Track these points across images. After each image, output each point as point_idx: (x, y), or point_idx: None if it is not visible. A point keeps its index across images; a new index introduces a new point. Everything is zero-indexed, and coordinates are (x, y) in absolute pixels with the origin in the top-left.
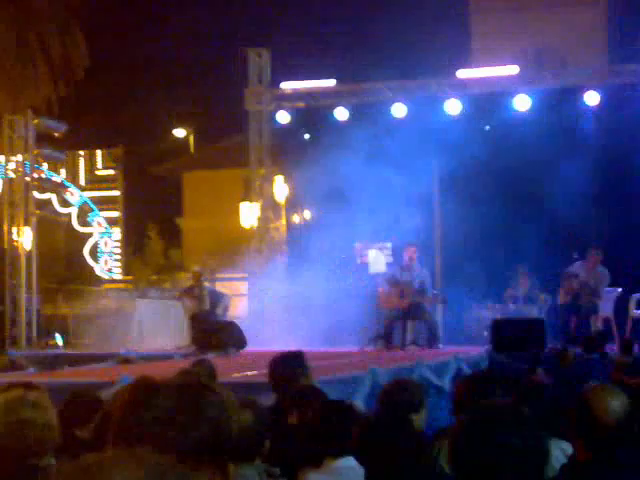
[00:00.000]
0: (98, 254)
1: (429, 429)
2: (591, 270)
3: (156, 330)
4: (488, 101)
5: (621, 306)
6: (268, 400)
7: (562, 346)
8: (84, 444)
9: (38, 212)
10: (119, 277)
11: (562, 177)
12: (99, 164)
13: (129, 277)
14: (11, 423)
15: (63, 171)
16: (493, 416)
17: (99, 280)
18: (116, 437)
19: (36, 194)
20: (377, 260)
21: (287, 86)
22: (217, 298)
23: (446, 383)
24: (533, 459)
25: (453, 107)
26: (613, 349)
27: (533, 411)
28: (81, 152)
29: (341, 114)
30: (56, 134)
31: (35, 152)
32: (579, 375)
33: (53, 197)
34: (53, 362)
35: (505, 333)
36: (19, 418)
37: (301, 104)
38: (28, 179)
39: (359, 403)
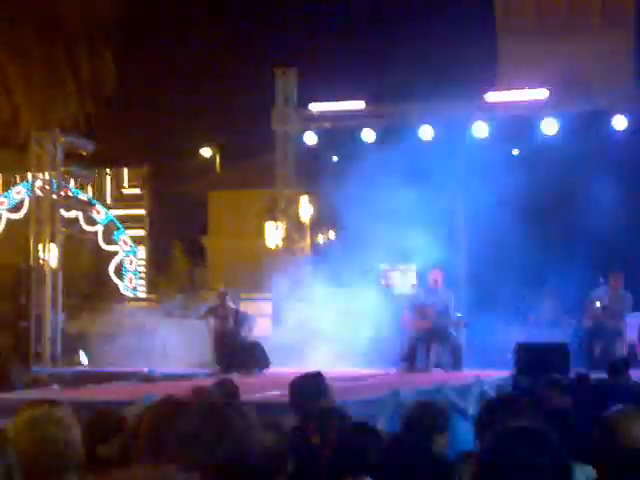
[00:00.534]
0: (123, 272)
1: (452, 452)
2: (614, 294)
3: (180, 349)
4: (516, 124)
5: None
6: (291, 420)
7: (585, 371)
8: (107, 462)
9: (64, 230)
10: (143, 295)
11: (589, 201)
12: (125, 182)
13: (153, 295)
14: (35, 440)
15: (89, 189)
16: (519, 437)
17: (123, 298)
18: (142, 455)
19: (63, 212)
20: (402, 282)
21: (315, 107)
22: (242, 318)
23: (469, 406)
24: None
25: (480, 130)
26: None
27: (557, 435)
28: (108, 170)
29: (368, 136)
30: (83, 152)
31: (62, 170)
32: (603, 400)
33: (79, 215)
34: (76, 379)
35: (529, 357)
36: (43, 435)
37: (328, 125)
38: (55, 197)
39: (382, 425)
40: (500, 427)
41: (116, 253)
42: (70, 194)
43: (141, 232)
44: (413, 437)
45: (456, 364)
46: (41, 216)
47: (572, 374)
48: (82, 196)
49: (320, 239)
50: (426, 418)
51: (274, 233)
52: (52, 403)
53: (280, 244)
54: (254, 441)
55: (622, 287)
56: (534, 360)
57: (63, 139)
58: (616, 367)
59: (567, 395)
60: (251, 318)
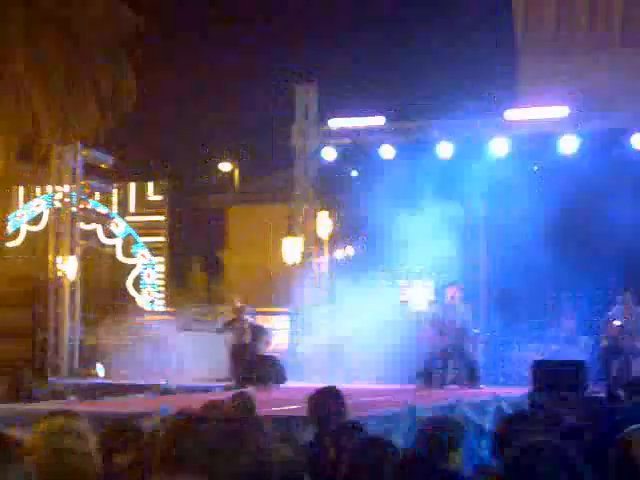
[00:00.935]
0: (141, 285)
1: (469, 468)
2: (628, 312)
3: (197, 362)
4: (535, 142)
5: None
6: (307, 435)
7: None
8: (122, 472)
9: (83, 242)
10: (161, 308)
11: (609, 219)
12: (145, 196)
13: (171, 309)
14: (52, 451)
15: (108, 202)
16: (540, 453)
17: (141, 311)
18: (159, 466)
19: (82, 225)
20: (419, 298)
21: (334, 123)
22: (259, 332)
23: (487, 422)
24: None
25: (500, 147)
26: None
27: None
28: (127, 184)
29: (387, 152)
30: (103, 166)
31: (82, 183)
32: (619, 419)
33: (98, 228)
34: (93, 392)
35: (546, 374)
36: (60, 447)
37: (347, 141)
38: (74, 210)
39: (397, 440)
40: (519, 443)
41: (134, 266)
42: (89, 207)
43: (160, 245)
44: (428, 453)
45: (472, 380)
46: (60, 229)
47: (588, 391)
48: (101, 209)
49: (338, 254)
50: (441, 434)
51: (292, 248)
52: (69, 415)
53: (298, 259)
54: (271, 455)
55: (634, 305)
56: (551, 377)
57: (84, 152)
58: (633, 387)
59: (583, 412)
60: (268, 331)
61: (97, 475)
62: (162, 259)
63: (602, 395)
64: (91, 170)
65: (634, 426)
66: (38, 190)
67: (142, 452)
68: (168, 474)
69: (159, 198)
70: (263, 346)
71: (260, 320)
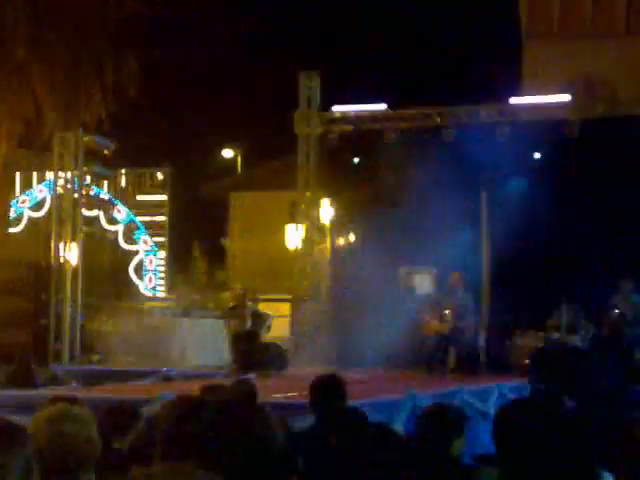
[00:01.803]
0: (143, 272)
1: (473, 454)
2: (626, 300)
3: (198, 349)
4: (538, 128)
5: None
6: (308, 421)
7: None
8: (122, 456)
9: (85, 229)
10: (163, 295)
11: (611, 207)
12: (147, 182)
13: (173, 296)
14: (53, 436)
15: (111, 188)
16: (546, 430)
17: (143, 298)
18: (162, 451)
19: (84, 211)
20: (422, 284)
21: (337, 109)
22: (259, 318)
23: (490, 408)
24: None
25: (503, 133)
26: None
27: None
28: (129, 170)
29: (390, 138)
30: (106, 152)
31: (85, 169)
32: (620, 406)
33: (100, 214)
34: (94, 378)
35: (547, 362)
36: (62, 431)
37: (350, 128)
38: (76, 196)
39: (399, 427)
40: (519, 430)
41: (136, 253)
42: (92, 193)
43: (161, 232)
44: (429, 440)
45: (473, 368)
46: (62, 215)
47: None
48: (103, 195)
49: (340, 241)
50: (442, 420)
51: (294, 235)
52: (70, 400)
53: (300, 246)
54: (275, 440)
55: (632, 295)
56: (552, 365)
57: (86, 138)
58: (632, 374)
59: (583, 400)
60: (267, 317)
61: (98, 460)
62: (163, 240)
63: (603, 383)
64: (93, 156)
65: (636, 413)
66: (35, 176)
67: (141, 437)
68: (170, 458)
69: (159, 190)
70: (264, 332)
71: (262, 307)
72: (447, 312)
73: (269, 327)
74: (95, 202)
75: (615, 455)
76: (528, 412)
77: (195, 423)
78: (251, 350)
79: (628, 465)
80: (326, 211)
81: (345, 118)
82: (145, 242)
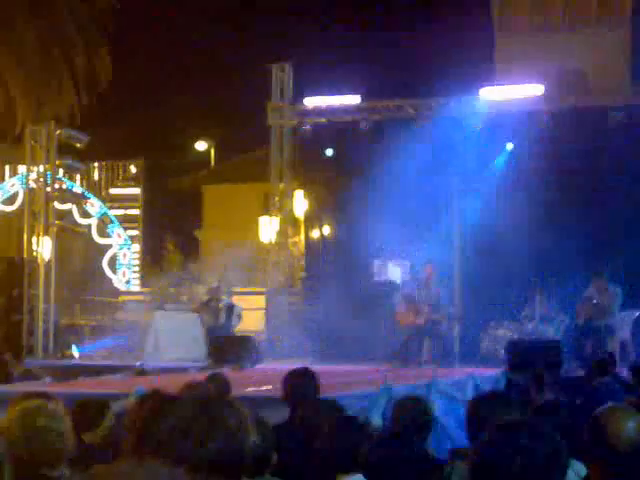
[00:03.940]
0: (117, 266)
1: (444, 449)
2: (601, 290)
3: (172, 343)
4: (511, 119)
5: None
6: (281, 416)
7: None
8: (92, 449)
9: (58, 222)
10: (137, 289)
11: (583, 197)
12: (120, 176)
13: (147, 289)
14: (27, 431)
15: (84, 182)
16: (516, 426)
17: (117, 292)
18: (131, 447)
19: (57, 204)
20: (395, 277)
21: (310, 102)
22: (230, 310)
23: (466, 399)
24: (555, 468)
25: (476, 125)
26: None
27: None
28: (102, 163)
29: (363, 131)
30: (78, 145)
31: (57, 162)
32: (591, 397)
33: (73, 208)
34: (68, 372)
35: (521, 353)
36: (35, 426)
37: (323, 120)
38: (49, 189)
39: (375, 420)
40: (493, 422)
41: (110, 246)
42: (64, 187)
43: (135, 225)
44: (401, 432)
45: (448, 359)
46: (35, 209)
47: (563, 371)
48: (76, 189)
49: (314, 234)
50: (413, 413)
51: (268, 227)
52: (44, 396)
53: (274, 238)
54: (247, 436)
55: (608, 285)
56: (526, 357)
57: (58, 131)
58: (602, 365)
59: (556, 391)
60: (237, 307)
61: (71, 456)
62: (137, 233)
63: (577, 374)
64: (66, 149)
65: (609, 404)
66: (7, 169)
67: (110, 428)
68: (141, 454)
69: (131, 184)
70: (236, 322)
71: (236, 299)
72: (422, 304)
73: (239, 316)
74: (68, 196)
75: (586, 444)
76: (500, 403)
77: (165, 419)
78: (225, 344)
79: (598, 454)
80: (300, 203)
81: (318, 110)
82: (119, 235)
